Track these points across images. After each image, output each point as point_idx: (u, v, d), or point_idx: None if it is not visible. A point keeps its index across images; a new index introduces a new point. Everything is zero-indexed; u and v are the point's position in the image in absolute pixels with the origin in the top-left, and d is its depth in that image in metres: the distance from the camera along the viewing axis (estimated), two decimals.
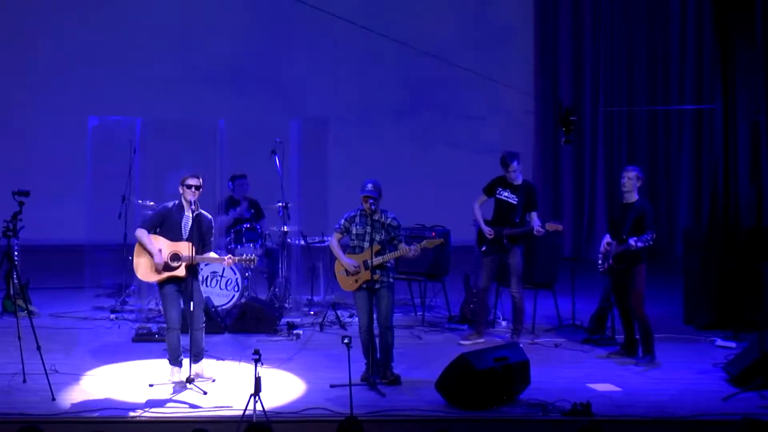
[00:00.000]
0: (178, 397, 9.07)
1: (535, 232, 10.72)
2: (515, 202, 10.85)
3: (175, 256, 9.34)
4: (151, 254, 9.38)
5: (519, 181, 10.92)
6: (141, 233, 9.47)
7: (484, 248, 10.95)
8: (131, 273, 12.30)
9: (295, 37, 16.58)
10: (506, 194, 10.92)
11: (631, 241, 9.90)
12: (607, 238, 10.33)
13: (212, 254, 9.58)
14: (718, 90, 11.76)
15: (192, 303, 9.34)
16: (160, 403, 8.89)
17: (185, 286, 9.36)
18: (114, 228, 12.69)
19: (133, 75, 16.37)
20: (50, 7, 16.61)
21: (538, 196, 11.06)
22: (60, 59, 16.49)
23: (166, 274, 9.36)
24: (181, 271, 9.32)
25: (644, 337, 10.18)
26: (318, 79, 16.64)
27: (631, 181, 10.20)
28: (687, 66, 16.31)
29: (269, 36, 16.61)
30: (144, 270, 9.50)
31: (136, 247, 9.52)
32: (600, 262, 10.36)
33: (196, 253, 9.33)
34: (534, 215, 10.84)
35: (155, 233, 9.49)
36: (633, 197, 10.21)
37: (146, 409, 8.70)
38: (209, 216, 9.62)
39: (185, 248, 9.30)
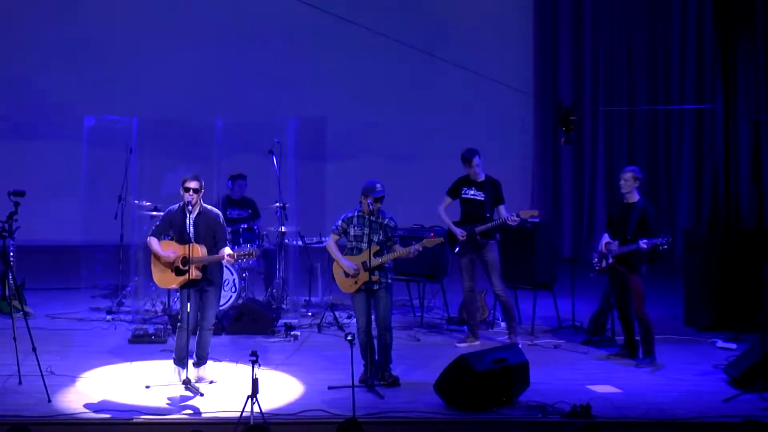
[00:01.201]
0: (175, 398, 9.00)
1: (510, 222, 10.64)
2: (482, 199, 10.76)
3: (185, 260, 9.26)
4: (162, 260, 9.32)
5: (482, 178, 10.83)
6: (150, 241, 9.42)
7: (457, 249, 10.85)
8: (127, 274, 12.35)
9: (293, 36, 16.53)
10: (472, 192, 10.84)
11: (642, 243, 9.82)
12: (606, 238, 10.25)
13: (227, 250, 9.37)
14: (718, 89, 11.73)
15: (204, 303, 9.31)
16: (157, 405, 8.81)
17: (201, 287, 9.31)
18: (110, 228, 12.63)
19: (130, 74, 16.33)
20: (47, 6, 16.55)
21: (502, 190, 10.88)
22: (56, 58, 16.45)
23: (181, 279, 9.27)
24: (194, 274, 9.23)
25: (645, 338, 10.11)
26: (316, 78, 16.59)
27: (627, 183, 10.12)
28: (687, 65, 16.26)
29: (267, 35, 16.56)
30: (159, 277, 9.47)
31: (152, 256, 9.48)
32: (596, 261, 10.28)
33: (209, 252, 9.24)
34: (502, 209, 10.75)
35: (169, 239, 9.42)
36: (634, 197, 10.13)
37: (143, 411, 8.61)
38: (215, 210, 9.51)
39: (193, 250, 9.17)
